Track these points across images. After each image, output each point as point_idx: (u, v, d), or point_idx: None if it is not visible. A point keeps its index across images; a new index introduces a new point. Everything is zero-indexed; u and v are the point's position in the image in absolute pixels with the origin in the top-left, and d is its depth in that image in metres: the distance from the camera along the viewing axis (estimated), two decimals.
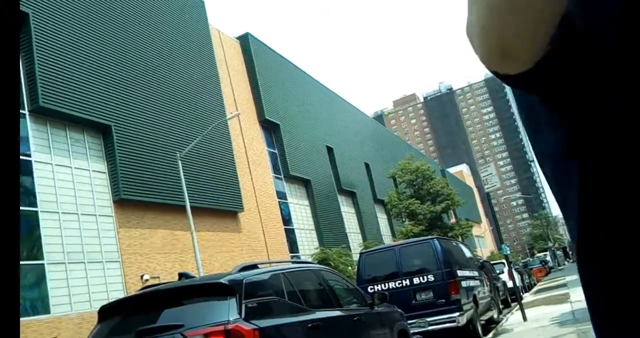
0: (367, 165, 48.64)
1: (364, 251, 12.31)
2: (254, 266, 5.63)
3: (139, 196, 22.22)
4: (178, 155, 20.18)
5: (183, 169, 20.13)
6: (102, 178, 21.66)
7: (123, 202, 21.70)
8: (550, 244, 61.28)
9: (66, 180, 19.93)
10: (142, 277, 21.26)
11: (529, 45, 0.60)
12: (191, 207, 19.88)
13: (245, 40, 35.83)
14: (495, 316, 13.38)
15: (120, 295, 19.59)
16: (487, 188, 13.39)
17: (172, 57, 26.93)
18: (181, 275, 5.78)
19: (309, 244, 35.39)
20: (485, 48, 0.61)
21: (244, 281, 4.82)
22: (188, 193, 19.96)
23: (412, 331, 8.45)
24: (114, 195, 21.59)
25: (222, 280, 4.79)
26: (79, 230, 19.77)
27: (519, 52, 0.60)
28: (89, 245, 19.97)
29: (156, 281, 19.59)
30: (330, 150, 42.06)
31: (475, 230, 68.72)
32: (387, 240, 44.02)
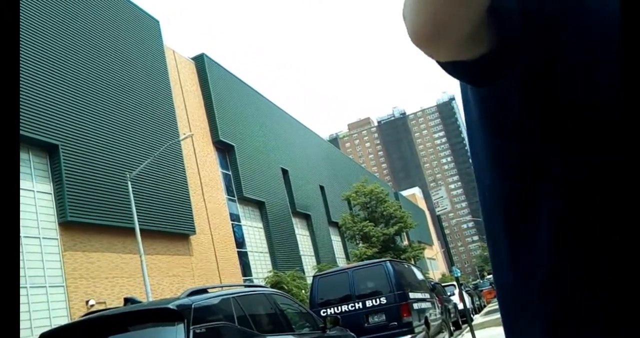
0: (321, 188, 48.78)
1: (317, 274, 12.26)
2: (204, 290, 5.50)
3: (86, 218, 21.51)
4: (128, 176, 19.71)
5: (133, 191, 19.66)
6: (47, 200, 20.88)
7: (69, 224, 20.95)
8: None
9: None
10: (87, 302, 20.46)
11: (458, 23, 0.59)
12: (141, 230, 19.38)
13: (200, 61, 35.66)
14: None
15: (64, 321, 18.76)
16: (438, 211, 13.62)
17: (125, 75, 26.49)
18: (127, 300, 5.59)
19: (262, 267, 34.98)
20: (416, 26, 0.61)
21: (192, 306, 4.69)
22: (138, 215, 19.47)
23: None
24: (59, 217, 20.83)
25: (170, 305, 4.65)
26: (21, 253, 18.93)
27: (450, 29, 0.60)
28: (31, 269, 19.11)
29: (102, 306, 18.88)
30: (285, 172, 42.03)
31: (428, 253, 69.58)
32: (341, 262, 44.01)
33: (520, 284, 0.72)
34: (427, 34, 0.60)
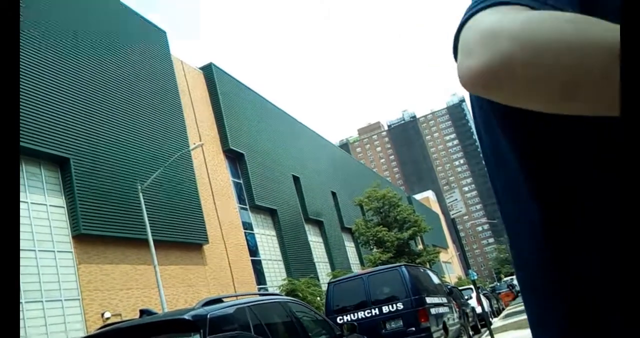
0: (333, 194, 48.70)
1: (332, 281, 12.16)
2: (219, 300, 5.45)
3: (99, 230, 21.58)
4: (139, 187, 19.76)
5: (145, 202, 19.69)
6: (60, 213, 20.98)
7: (83, 237, 21.03)
8: None
9: (22, 216, 19.21)
10: (103, 314, 20.49)
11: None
12: (154, 241, 19.39)
13: (208, 71, 35.84)
14: None
15: (80, 334, 18.80)
16: (452, 214, 13.49)
17: (134, 87, 26.65)
18: (143, 312, 5.57)
19: (276, 275, 34.91)
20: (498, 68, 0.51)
21: (208, 316, 4.64)
22: (150, 226, 19.49)
23: None
24: (73, 230, 20.92)
25: (185, 316, 4.61)
26: (36, 267, 19.01)
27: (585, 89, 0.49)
28: (47, 283, 19.19)
29: (118, 319, 18.90)
30: (296, 179, 42.00)
31: (443, 256, 69.20)
32: (356, 268, 43.84)
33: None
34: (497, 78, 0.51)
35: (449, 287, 14.95)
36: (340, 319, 10.14)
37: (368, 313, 10.39)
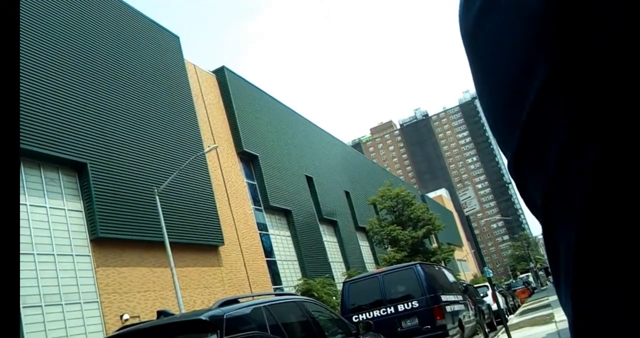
0: (347, 193, 48.70)
1: (347, 280, 12.19)
2: (235, 300, 5.52)
3: (116, 234, 21.84)
4: (155, 190, 19.95)
5: (161, 205, 19.87)
6: (78, 217, 21.27)
7: (100, 241, 21.30)
8: (532, 265, 61.46)
9: (41, 221, 19.52)
10: (121, 316, 20.73)
11: None
12: (170, 243, 19.56)
13: (221, 74, 36.06)
14: None
15: (100, 336, 19.08)
16: (466, 212, 13.47)
17: (148, 92, 26.91)
18: (160, 313, 5.65)
19: (291, 275, 35.01)
20: None
21: (224, 316, 4.72)
22: (167, 229, 19.67)
23: None
24: (90, 234, 21.19)
25: (202, 317, 4.69)
26: (55, 271, 19.29)
27: None
28: (66, 286, 19.46)
29: (136, 320, 19.11)
30: (310, 179, 42.08)
31: (458, 254, 68.86)
32: (371, 267, 43.80)
33: None
34: None
35: (464, 284, 14.93)
36: (356, 318, 10.19)
37: (384, 311, 10.43)
